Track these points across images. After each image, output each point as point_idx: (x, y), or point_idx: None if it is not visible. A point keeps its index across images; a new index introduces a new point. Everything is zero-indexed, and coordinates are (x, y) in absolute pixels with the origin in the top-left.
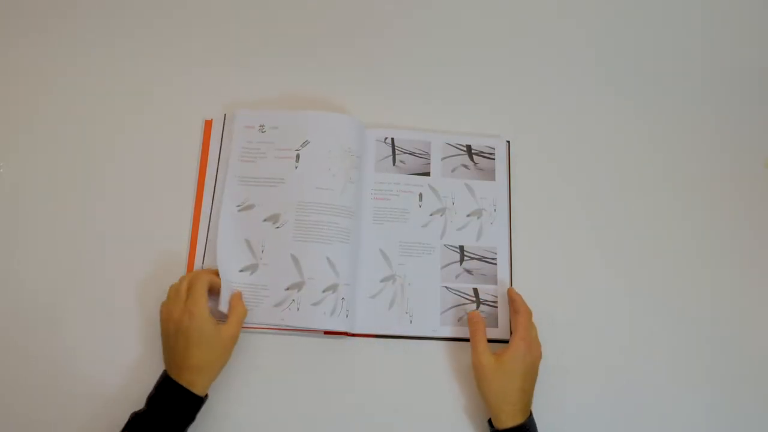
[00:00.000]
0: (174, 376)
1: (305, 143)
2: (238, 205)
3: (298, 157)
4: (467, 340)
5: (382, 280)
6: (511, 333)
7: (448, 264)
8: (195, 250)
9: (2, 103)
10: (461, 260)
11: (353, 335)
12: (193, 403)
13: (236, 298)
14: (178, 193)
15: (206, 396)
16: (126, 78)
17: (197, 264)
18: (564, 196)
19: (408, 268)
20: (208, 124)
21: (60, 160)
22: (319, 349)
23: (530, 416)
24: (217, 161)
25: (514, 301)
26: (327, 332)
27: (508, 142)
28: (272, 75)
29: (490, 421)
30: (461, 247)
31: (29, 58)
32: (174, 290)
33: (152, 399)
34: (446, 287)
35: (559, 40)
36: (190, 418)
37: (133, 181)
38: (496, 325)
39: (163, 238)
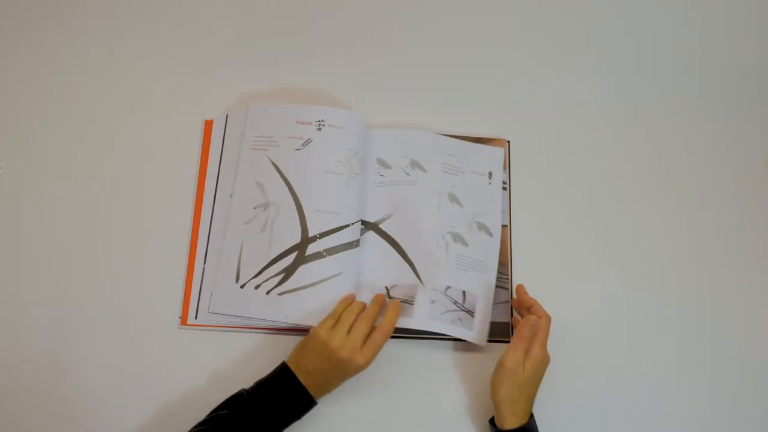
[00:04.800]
0: (300, 376)
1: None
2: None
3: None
4: (462, 339)
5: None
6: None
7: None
8: (195, 249)
9: (2, 103)
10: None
11: None
12: (308, 403)
13: (383, 332)
14: (179, 192)
15: (317, 403)
16: (126, 78)
17: (198, 263)
18: (564, 196)
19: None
20: (208, 124)
21: (60, 160)
22: None
23: (531, 417)
24: (218, 161)
25: (532, 306)
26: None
27: (508, 142)
28: (272, 75)
29: (491, 421)
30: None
31: (29, 58)
32: (352, 321)
33: (265, 384)
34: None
35: (560, 40)
36: (298, 415)
37: (133, 180)
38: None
39: (163, 238)
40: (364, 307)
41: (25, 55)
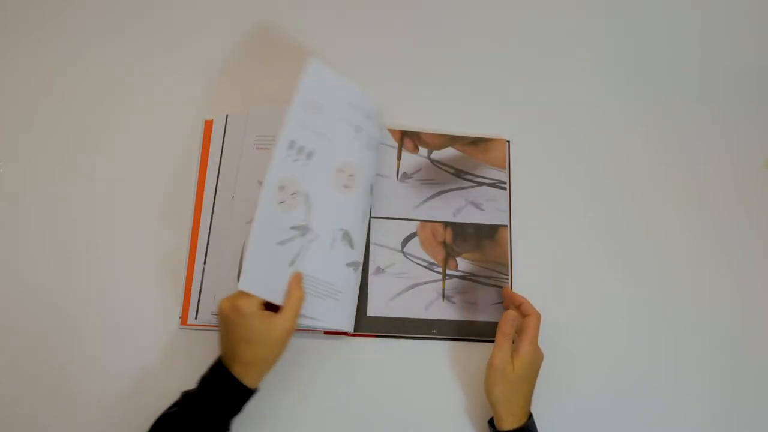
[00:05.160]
0: (226, 364)
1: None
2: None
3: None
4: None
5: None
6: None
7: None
8: (195, 248)
9: (2, 103)
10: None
11: (353, 335)
12: (242, 393)
13: (294, 282)
14: (179, 192)
15: (257, 389)
16: (126, 78)
17: (198, 264)
18: (564, 196)
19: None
20: (208, 125)
21: (60, 160)
22: (319, 349)
23: (530, 417)
24: (218, 161)
25: (521, 304)
26: (327, 332)
27: (508, 142)
28: (272, 75)
29: (490, 422)
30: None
31: (29, 58)
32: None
33: (204, 380)
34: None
35: (560, 40)
36: (237, 408)
37: (133, 180)
38: None
39: (164, 237)
40: None
41: (25, 55)
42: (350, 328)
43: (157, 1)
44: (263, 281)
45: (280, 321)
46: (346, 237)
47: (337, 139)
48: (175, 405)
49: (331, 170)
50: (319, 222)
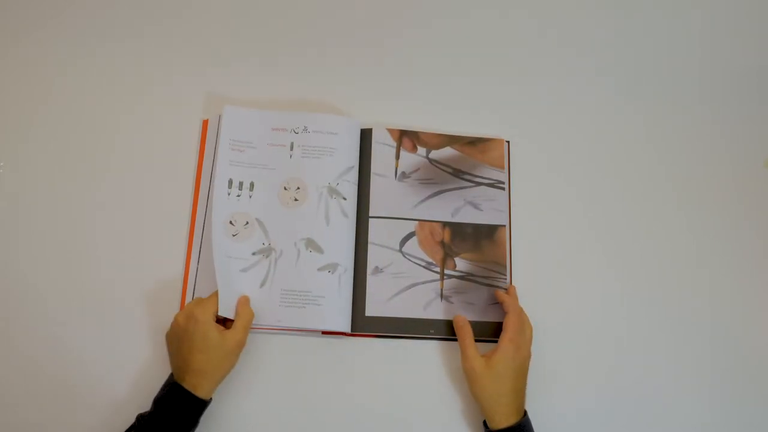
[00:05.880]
0: (178, 379)
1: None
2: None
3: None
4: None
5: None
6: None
7: None
8: (191, 246)
9: (2, 103)
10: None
11: (351, 335)
12: (196, 406)
13: (242, 303)
14: (178, 192)
15: (210, 400)
16: (124, 78)
17: (193, 263)
18: (564, 196)
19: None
20: (205, 124)
21: (59, 159)
22: (317, 349)
23: (525, 415)
24: (211, 161)
25: (503, 302)
26: (325, 332)
27: (508, 142)
28: (271, 75)
29: (485, 422)
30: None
31: (29, 58)
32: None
33: (158, 401)
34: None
35: (560, 41)
36: (194, 422)
37: (132, 180)
38: None
39: (161, 236)
40: None
41: (25, 55)
42: (345, 328)
43: (157, 2)
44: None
45: (231, 333)
46: (311, 244)
47: (273, 164)
48: (131, 428)
49: (276, 191)
50: (279, 239)
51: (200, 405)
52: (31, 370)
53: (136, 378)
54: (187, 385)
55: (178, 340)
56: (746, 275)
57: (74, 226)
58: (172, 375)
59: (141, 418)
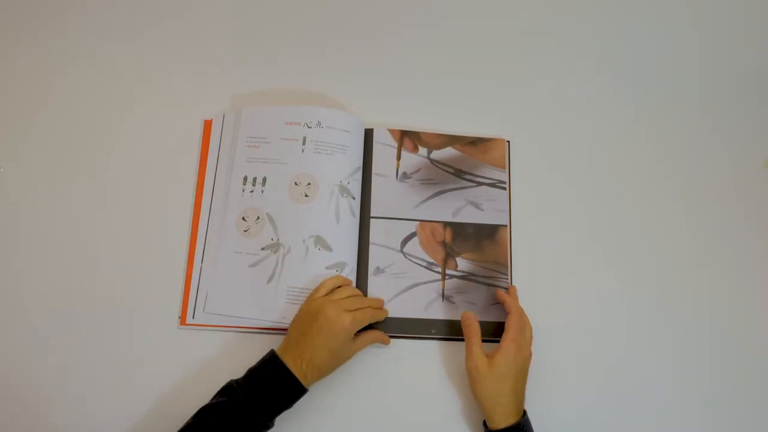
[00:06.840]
0: (288, 361)
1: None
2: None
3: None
4: (460, 340)
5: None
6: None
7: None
8: (195, 246)
9: (2, 103)
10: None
11: None
12: (298, 391)
13: (377, 334)
14: (179, 192)
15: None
16: (126, 78)
17: (197, 262)
18: (564, 196)
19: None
20: (207, 124)
21: (60, 160)
22: None
23: (524, 415)
24: (215, 161)
25: (504, 302)
26: None
27: (508, 142)
28: (272, 75)
29: (485, 423)
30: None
31: (29, 58)
32: (337, 288)
33: (254, 372)
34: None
35: (560, 41)
36: (288, 404)
37: (133, 180)
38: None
39: (163, 237)
40: (354, 289)
41: (25, 55)
42: None
43: (157, 2)
44: (232, 302)
45: (355, 345)
46: (320, 242)
47: (285, 158)
48: (222, 393)
49: (287, 186)
50: (288, 235)
51: (301, 392)
52: (29, 369)
53: (136, 378)
54: (297, 371)
55: (318, 330)
56: (746, 275)
57: (74, 226)
58: (274, 352)
59: (237, 386)
